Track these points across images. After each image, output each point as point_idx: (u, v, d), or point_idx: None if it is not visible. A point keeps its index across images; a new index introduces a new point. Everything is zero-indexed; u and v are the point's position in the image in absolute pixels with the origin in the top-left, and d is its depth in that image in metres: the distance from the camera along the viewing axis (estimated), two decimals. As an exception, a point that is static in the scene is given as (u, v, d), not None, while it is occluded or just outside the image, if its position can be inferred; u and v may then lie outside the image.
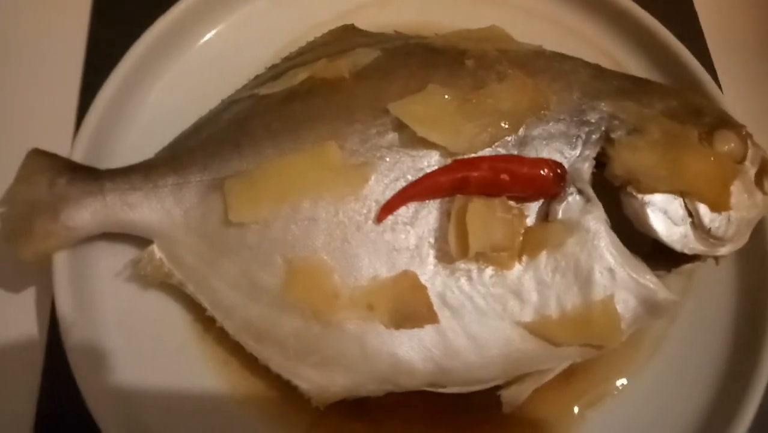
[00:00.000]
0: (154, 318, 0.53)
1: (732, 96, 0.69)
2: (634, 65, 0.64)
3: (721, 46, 0.73)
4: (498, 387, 0.50)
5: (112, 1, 0.71)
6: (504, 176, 0.47)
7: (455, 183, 0.47)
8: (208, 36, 0.64)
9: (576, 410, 0.53)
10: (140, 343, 0.52)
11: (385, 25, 0.61)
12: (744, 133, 0.51)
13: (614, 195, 0.50)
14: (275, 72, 0.57)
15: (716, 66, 0.72)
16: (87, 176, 0.51)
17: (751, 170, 0.50)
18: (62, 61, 0.68)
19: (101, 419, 0.48)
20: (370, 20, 0.63)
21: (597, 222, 0.48)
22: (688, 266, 0.51)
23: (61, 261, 0.51)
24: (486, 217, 0.47)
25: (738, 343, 0.54)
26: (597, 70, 0.55)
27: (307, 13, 0.65)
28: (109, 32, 0.68)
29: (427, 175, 0.48)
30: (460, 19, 0.61)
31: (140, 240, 0.52)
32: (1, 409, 0.53)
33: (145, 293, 0.54)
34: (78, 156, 0.54)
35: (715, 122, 0.51)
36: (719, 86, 0.69)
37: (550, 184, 0.48)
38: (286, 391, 0.50)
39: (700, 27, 0.74)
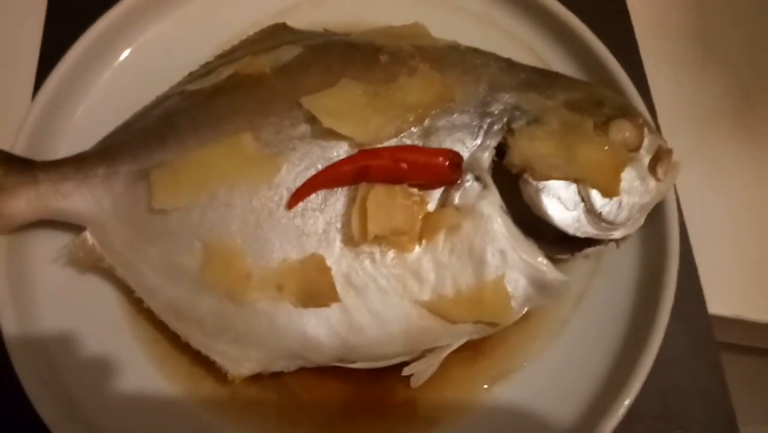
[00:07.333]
0: (89, 300, 0.57)
1: (661, 93, 0.72)
2: (555, 60, 0.67)
3: (651, 45, 0.75)
4: (406, 363, 0.53)
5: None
6: (403, 165, 0.50)
7: (358, 172, 0.50)
8: (148, 33, 0.67)
9: (484, 386, 0.56)
10: (75, 324, 0.56)
11: (318, 24, 0.64)
12: (640, 122, 0.53)
13: (520, 183, 0.52)
14: (206, 69, 0.60)
15: (645, 65, 0.73)
16: (22, 167, 0.54)
17: (646, 158, 0.53)
18: (17, 52, 0.70)
19: (37, 399, 0.51)
20: (305, 19, 0.66)
21: (491, 207, 0.51)
22: (590, 250, 0.54)
23: (-2, 246, 0.55)
24: (386, 203, 0.49)
25: (636, 319, 0.56)
26: (507, 64, 0.57)
27: (244, 13, 0.68)
28: (65, 27, 0.68)
29: (333, 165, 0.51)
30: (392, 17, 0.63)
31: (74, 227, 0.56)
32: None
33: (80, 276, 0.57)
34: (20, 149, 0.58)
35: (614, 113, 0.53)
36: (647, 84, 0.72)
37: (446, 172, 0.50)
38: (207, 366, 0.54)
39: (631, 24, 0.76)
